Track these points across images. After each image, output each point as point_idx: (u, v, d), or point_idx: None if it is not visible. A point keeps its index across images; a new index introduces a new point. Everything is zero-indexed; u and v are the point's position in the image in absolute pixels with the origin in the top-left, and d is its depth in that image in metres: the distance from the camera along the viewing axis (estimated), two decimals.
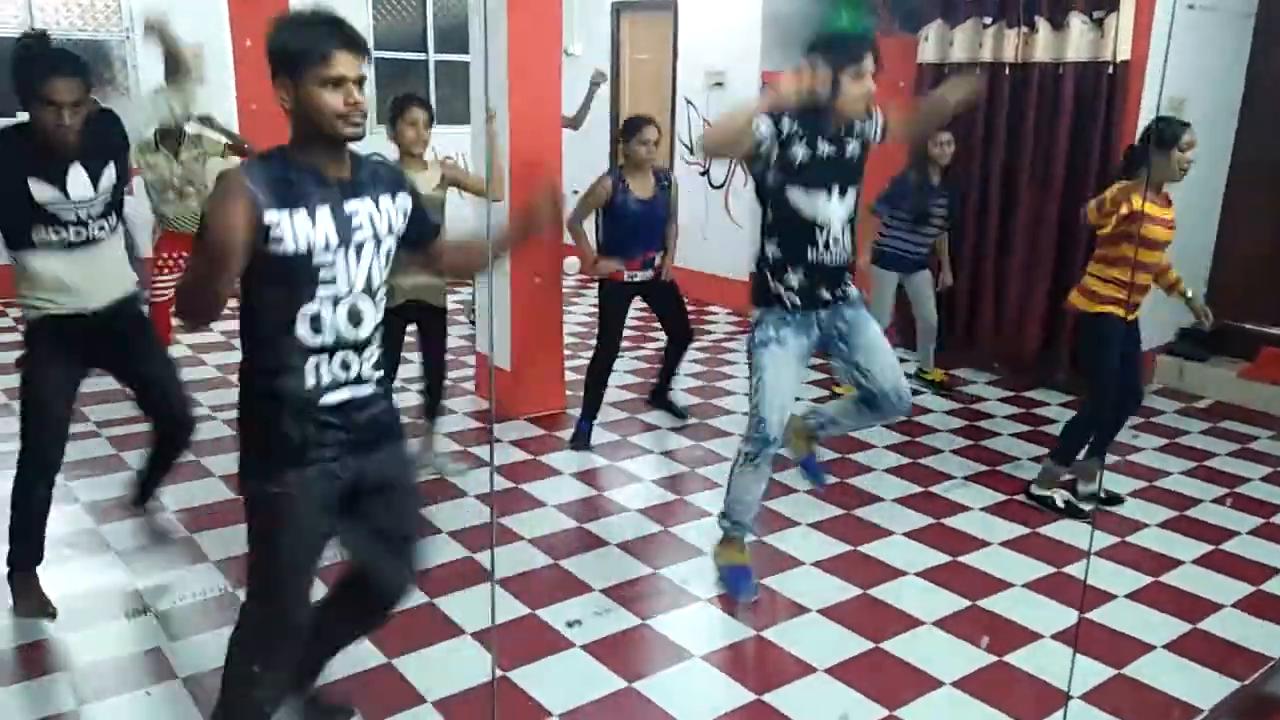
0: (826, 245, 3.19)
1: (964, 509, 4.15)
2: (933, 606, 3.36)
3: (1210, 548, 3.88)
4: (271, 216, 2.02)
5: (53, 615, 3.12)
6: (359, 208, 2.16)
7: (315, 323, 2.12)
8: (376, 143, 8.62)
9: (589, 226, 4.73)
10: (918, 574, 3.59)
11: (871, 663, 3.04)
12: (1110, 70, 5.32)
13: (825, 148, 3.12)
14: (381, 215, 2.21)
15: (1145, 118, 5.21)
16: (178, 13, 7.05)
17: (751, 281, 3.41)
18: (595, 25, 8.37)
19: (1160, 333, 5.79)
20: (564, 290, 5.47)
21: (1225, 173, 6.04)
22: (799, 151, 3.08)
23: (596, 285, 4.83)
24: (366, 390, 2.22)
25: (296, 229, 2.05)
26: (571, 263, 8.57)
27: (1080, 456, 4.18)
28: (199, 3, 7.20)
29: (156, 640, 3.03)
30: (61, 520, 3.61)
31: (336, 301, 2.13)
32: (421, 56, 8.33)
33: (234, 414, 2.25)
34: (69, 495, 3.92)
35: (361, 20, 7.99)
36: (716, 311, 7.57)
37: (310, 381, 2.13)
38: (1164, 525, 4.07)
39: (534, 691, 2.84)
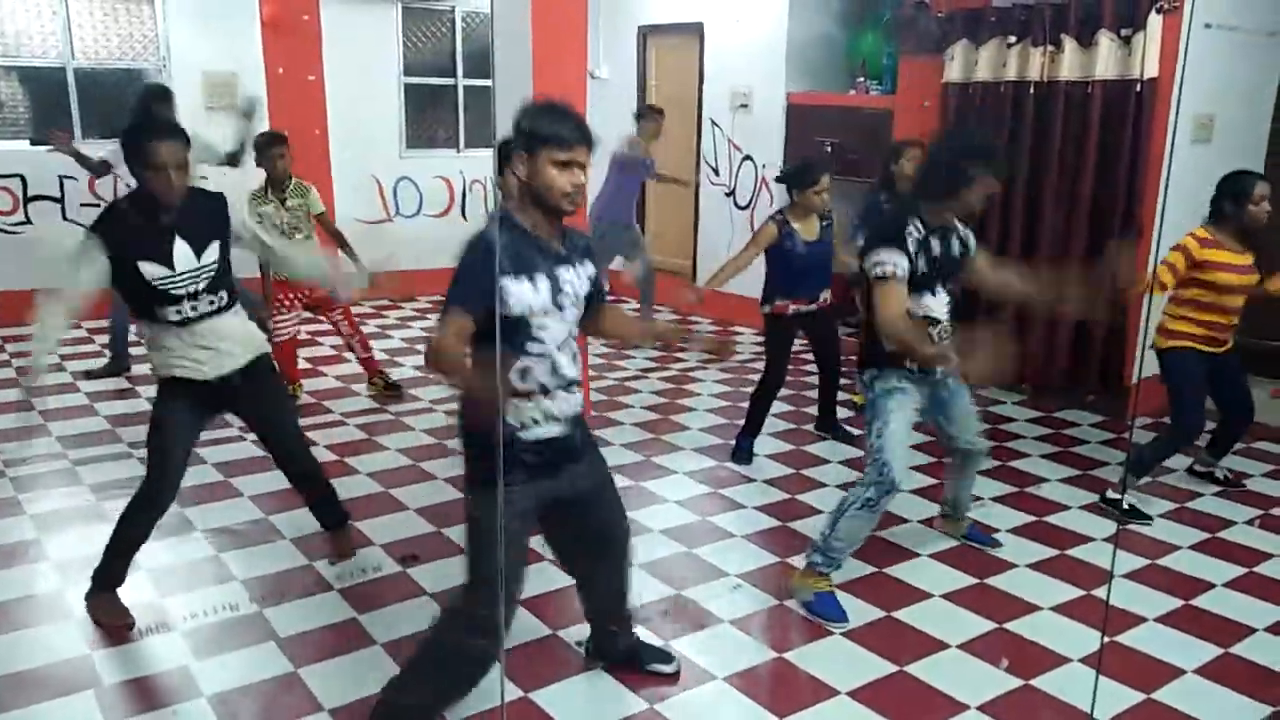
0: (940, 336, 3.36)
1: (990, 531, 4.11)
2: (958, 629, 3.33)
3: (1243, 570, 3.82)
4: (505, 282, 2.34)
5: (131, 625, 3.23)
6: (568, 275, 2.51)
7: (524, 375, 2.46)
8: (407, 166, 8.65)
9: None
10: (943, 596, 3.56)
11: (894, 686, 3.02)
12: (1138, 88, 5.30)
13: (936, 249, 3.29)
14: (581, 281, 2.54)
15: (1171, 135, 5.17)
16: (213, 41, 7.33)
17: (866, 349, 3.54)
18: (621, 48, 8.44)
19: None
20: None
21: None
22: (920, 264, 3.26)
23: (764, 319, 4.89)
24: (560, 429, 2.55)
25: (521, 294, 2.38)
26: None
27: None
28: (233, 31, 7.39)
29: (183, 659, 3.06)
30: (92, 539, 3.66)
31: (543, 357, 2.47)
32: (451, 81, 8.44)
33: None
34: (98, 515, 3.99)
35: (391, 46, 8.12)
36: (742, 331, 7.53)
37: (515, 424, 2.47)
38: (1195, 547, 4.01)
39: (555, 713, 2.84)
